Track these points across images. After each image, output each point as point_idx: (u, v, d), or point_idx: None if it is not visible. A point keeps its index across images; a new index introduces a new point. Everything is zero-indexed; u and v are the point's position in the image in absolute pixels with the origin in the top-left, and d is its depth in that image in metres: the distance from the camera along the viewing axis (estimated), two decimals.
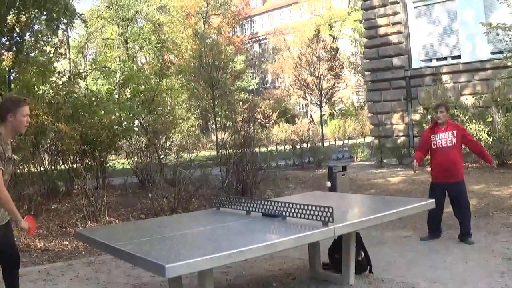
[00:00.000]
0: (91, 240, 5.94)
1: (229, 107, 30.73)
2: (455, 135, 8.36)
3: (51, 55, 16.24)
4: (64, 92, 14.36)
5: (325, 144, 26.57)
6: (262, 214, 6.21)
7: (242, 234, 5.61)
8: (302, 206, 5.71)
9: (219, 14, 54.86)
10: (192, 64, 37.06)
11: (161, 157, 14.92)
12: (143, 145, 15.10)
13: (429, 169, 9.11)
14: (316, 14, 50.81)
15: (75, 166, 13.52)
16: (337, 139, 27.93)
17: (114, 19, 39.91)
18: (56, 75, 15.16)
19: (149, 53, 42.81)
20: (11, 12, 15.48)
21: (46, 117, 12.62)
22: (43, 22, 16.07)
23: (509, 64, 15.44)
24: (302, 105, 52.61)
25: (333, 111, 47.26)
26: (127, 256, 4.81)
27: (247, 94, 51.08)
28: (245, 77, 52.93)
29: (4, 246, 5.16)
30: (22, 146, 11.79)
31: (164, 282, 6.68)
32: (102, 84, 22.12)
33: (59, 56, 16.75)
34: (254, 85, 55.55)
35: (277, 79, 59.24)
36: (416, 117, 18.60)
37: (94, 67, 29.04)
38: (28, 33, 16.48)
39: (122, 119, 16.06)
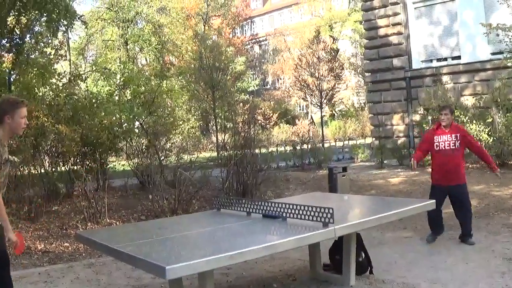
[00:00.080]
0: (91, 242, 5.94)
1: (229, 108, 30.76)
2: (458, 138, 8.24)
3: (52, 56, 16.24)
4: (65, 94, 14.36)
5: (326, 145, 26.56)
6: (263, 215, 6.21)
7: (242, 235, 5.61)
8: (302, 207, 5.72)
9: (220, 15, 54.90)
10: (192, 66, 37.08)
11: (161, 158, 14.92)
12: (144, 147, 15.11)
13: (429, 169, 9.08)
14: (316, 15, 50.84)
15: (75, 168, 13.53)
16: (337, 140, 27.91)
17: (115, 20, 39.90)
18: (56, 76, 15.15)
19: (149, 54, 42.80)
20: (11, 14, 15.48)
21: (46, 119, 12.62)
22: (44, 23, 16.08)
23: (509, 64, 15.44)
24: (303, 106, 52.67)
25: (334, 112, 47.26)
26: (127, 257, 4.81)
27: (248, 95, 51.12)
28: (246, 78, 52.97)
29: None
30: (23, 148, 11.79)
31: (164, 283, 6.67)
32: (103, 86, 22.12)
33: (60, 57, 16.74)
34: (254, 86, 55.57)
35: (278, 80, 59.28)
36: (417, 117, 18.60)
37: (94, 68, 29.09)
38: (28, 35, 16.48)
39: (122, 120, 16.06)
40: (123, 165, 15.69)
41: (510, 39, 15.04)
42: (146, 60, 45.01)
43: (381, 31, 20.08)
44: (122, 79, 18.92)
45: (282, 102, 51.05)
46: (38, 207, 11.24)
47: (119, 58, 38.69)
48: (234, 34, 60.98)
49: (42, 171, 12.82)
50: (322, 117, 34.41)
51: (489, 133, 15.02)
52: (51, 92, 14.44)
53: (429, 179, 8.91)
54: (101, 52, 42.50)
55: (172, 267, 4.14)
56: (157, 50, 40.84)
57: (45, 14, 15.43)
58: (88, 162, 13.97)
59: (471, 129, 14.88)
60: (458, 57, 18.34)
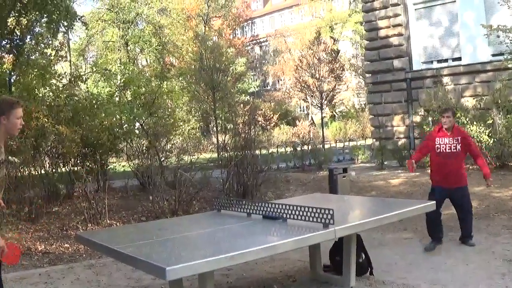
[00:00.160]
0: (91, 243, 5.94)
1: (230, 109, 30.76)
2: (459, 141, 8.17)
3: (52, 57, 16.25)
4: (65, 95, 14.37)
5: (326, 146, 26.55)
6: (263, 216, 6.21)
7: (242, 236, 5.61)
8: (302, 208, 5.72)
9: (220, 16, 54.87)
10: (193, 67, 37.11)
11: (162, 159, 14.93)
12: (144, 148, 15.12)
13: (429, 171, 9.04)
14: (317, 16, 50.82)
15: (75, 168, 13.53)
16: (338, 141, 27.89)
17: (115, 21, 39.91)
18: (56, 77, 15.16)
19: (149, 55, 42.81)
20: (11, 15, 15.50)
21: (47, 120, 12.62)
22: (44, 24, 16.09)
23: (509, 66, 15.43)
24: (303, 107, 52.67)
25: (334, 113, 47.26)
26: (128, 258, 4.81)
27: (248, 96, 51.11)
28: (246, 79, 52.95)
29: None
30: (23, 149, 11.79)
31: (165, 284, 6.67)
32: (103, 87, 22.15)
33: (60, 58, 16.75)
34: (255, 87, 55.57)
35: (278, 81, 59.28)
36: (417, 119, 18.61)
37: (94, 69, 29.10)
38: (28, 36, 16.51)
39: (122, 121, 16.08)
40: (123, 166, 15.69)
41: (511, 40, 15.04)
42: (147, 61, 45.03)
43: (382, 32, 20.08)
44: (122, 80, 18.92)
45: (282, 103, 51.06)
46: (39, 208, 11.25)
47: (120, 59, 38.70)
48: (234, 35, 60.96)
49: (43, 172, 12.82)
50: (322, 118, 34.37)
51: (490, 135, 15.01)
52: (51, 93, 14.44)
53: (430, 181, 8.87)
54: (101, 53, 42.52)
55: (172, 268, 4.14)
56: (157, 51, 40.84)
57: (45, 15, 15.45)
58: (88, 163, 13.98)
59: (471, 130, 14.89)
60: (459, 59, 18.34)
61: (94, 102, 15.09)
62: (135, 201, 13.26)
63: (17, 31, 15.79)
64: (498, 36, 15.51)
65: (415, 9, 19.37)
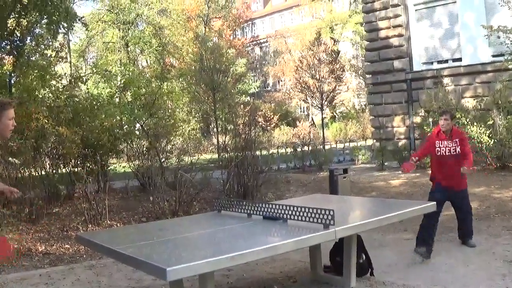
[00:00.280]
0: (92, 244, 5.94)
1: (230, 110, 30.71)
2: (458, 144, 8.08)
3: (52, 58, 16.26)
4: (65, 96, 14.37)
5: (326, 147, 26.54)
6: (263, 217, 6.21)
7: (243, 237, 5.61)
8: (303, 209, 5.72)
9: (220, 17, 54.86)
10: (193, 67, 37.08)
11: (162, 160, 14.93)
12: (144, 149, 15.12)
13: (429, 171, 9.00)
14: (317, 17, 50.79)
15: (76, 169, 13.54)
16: (338, 142, 27.90)
17: (115, 22, 39.90)
18: (56, 78, 15.16)
19: (150, 56, 42.79)
20: (12, 16, 15.51)
21: (47, 121, 12.63)
22: (44, 26, 16.10)
23: (510, 67, 15.42)
24: (303, 108, 52.64)
25: (334, 114, 47.25)
26: (128, 259, 4.81)
27: (248, 97, 51.09)
28: (246, 80, 52.90)
29: None
30: (23, 150, 11.81)
31: (165, 285, 6.66)
32: (103, 88, 22.12)
33: (60, 59, 16.76)
34: (255, 88, 55.52)
35: (278, 82, 59.27)
36: (417, 119, 18.60)
37: (95, 70, 29.02)
38: (29, 37, 16.52)
39: (123, 122, 16.09)
40: (123, 167, 15.70)
41: (511, 41, 15.05)
42: (147, 62, 45.00)
43: (382, 33, 20.08)
44: (122, 81, 18.92)
45: (282, 104, 51.04)
46: (39, 209, 11.25)
47: (120, 60, 38.70)
48: (234, 36, 60.96)
49: (43, 173, 12.83)
50: (322, 119, 34.33)
51: (490, 135, 15.00)
52: (51, 94, 14.45)
53: (430, 182, 8.79)
54: (101, 54, 42.51)
55: (173, 268, 4.14)
56: (157, 52, 40.83)
57: (45, 16, 15.45)
58: (88, 164, 13.98)
59: (472, 131, 14.88)
60: (459, 59, 18.34)
61: (94, 103, 15.09)
62: (135, 202, 13.26)
63: (17, 32, 15.81)
64: (499, 37, 15.51)
65: (416, 10, 19.37)
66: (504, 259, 7.34)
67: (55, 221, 11.26)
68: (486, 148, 14.94)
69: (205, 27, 50.61)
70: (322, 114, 33.80)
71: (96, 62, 39.84)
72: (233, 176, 13.34)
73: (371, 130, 23.28)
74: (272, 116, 44.21)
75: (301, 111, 53.98)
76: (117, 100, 17.59)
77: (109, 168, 14.91)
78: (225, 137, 15.51)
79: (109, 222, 11.22)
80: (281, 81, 57.37)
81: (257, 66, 61.86)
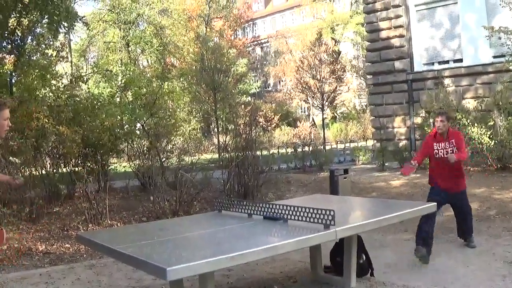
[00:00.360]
0: (92, 243, 5.94)
1: (231, 110, 30.75)
2: (455, 144, 7.93)
3: (53, 58, 16.25)
4: (66, 95, 14.38)
5: (327, 147, 26.56)
6: (264, 217, 6.21)
7: (243, 237, 5.61)
8: (303, 209, 5.72)
9: (221, 17, 54.87)
10: (194, 67, 37.05)
11: (162, 160, 14.94)
12: (145, 148, 15.13)
13: (428, 174, 8.87)
14: (318, 17, 50.80)
15: (76, 169, 13.54)
16: (339, 142, 27.90)
17: (116, 22, 39.89)
18: (57, 78, 15.16)
19: (151, 56, 42.78)
20: (12, 16, 15.51)
21: (47, 120, 12.63)
22: (45, 25, 16.09)
23: (511, 68, 15.42)
24: (304, 108, 52.64)
25: (335, 114, 47.25)
26: (128, 259, 4.81)
27: (249, 97, 51.10)
28: (247, 80, 52.95)
29: None
30: (24, 150, 11.80)
31: (165, 285, 6.67)
32: (104, 88, 22.15)
33: (61, 59, 16.76)
34: (256, 88, 55.55)
35: (279, 82, 59.25)
36: (418, 120, 18.60)
37: (96, 70, 29.06)
38: (29, 37, 16.51)
39: (123, 122, 16.09)
40: (124, 166, 15.70)
41: None
42: (148, 61, 45.01)
43: (383, 34, 20.08)
44: (123, 81, 18.95)
45: (283, 104, 51.02)
46: (39, 208, 11.25)
47: (121, 59, 38.71)
48: (235, 36, 60.98)
49: (43, 172, 12.83)
50: (323, 119, 34.35)
51: (491, 136, 14.98)
52: (52, 94, 14.45)
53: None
54: (102, 53, 42.54)
55: (173, 268, 4.14)
56: (158, 51, 40.82)
57: (46, 16, 15.44)
58: (89, 164, 13.98)
59: (472, 132, 14.87)
60: (460, 60, 18.34)
61: (95, 102, 15.10)
62: (136, 202, 13.26)
63: (18, 32, 15.80)
64: (500, 38, 15.51)
65: (417, 11, 19.37)
66: (504, 260, 7.34)
67: (56, 221, 11.26)
68: (486, 149, 14.94)
69: (206, 27, 50.62)
70: (322, 115, 33.82)
71: (97, 62, 39.90)
72: (233, 176, 13.34)
73: (371, 131, 23.27)
74: (273, 116, 44.20)
75: (301, 112, 53.98)
76: (118, 99, 17.60)
77: (109, 168, 14.91)
78: (226, 137, 15.50)
79: (109, 221, 11.22)
80: (282, 81, 57.34)
81: (258, 66, 61.88)
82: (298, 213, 5.77)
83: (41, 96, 14.07)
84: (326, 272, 7.05)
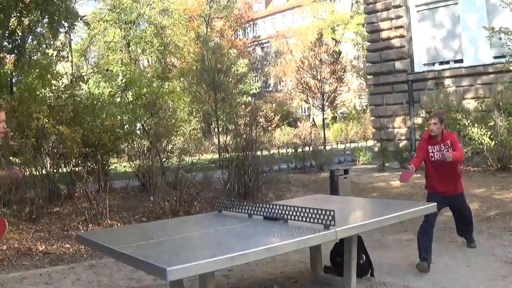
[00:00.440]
0: (92, 243, 5.94)
1: (231, 110, 30.74)
2: (450, 146, 7.73)
3: (53, 58, 16.25)
4: (66, 95, 14.37)
5: (327, 148, 26.56)
6: (264, 217, 6.21)
7: (243, 237, 5.60)
8: (303, 209, 5.71)
9: (222, 17, 54.89)
10: (194, 67, 37.03)
11: (163, 160, 14.93)
12: (145, 148, 15.13)
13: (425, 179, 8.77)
14: (318, 17, 50.82)
15: (77, 169, 13.52)
16: (339, 142, 27.92)
17: (117, 22, 39.95)
18: (58, 77, 15.15)
19: (151, 56, 42.84)
20: (13, 15, 15.51)
21: (48, 120, 12.63)
22: (45, 25, 16.10)
23: (511, 68, 15.42)
24: (304, 108, 52.67)
25: (335, 114, 47.25)
26: (128, 259, 4.81)
27: (250, 97, 51.13)
28: (248, 80, 52.97)
29: None
30: (24, 149, 11.80)
31: (165, 285, 6.66)
32: (104, 87, 22.13)
33: (61, 59, 16.76)
34: (256, 88, 55.59)
35: (280, 82, 59.26)
36: (418, 120, 18.59)
37: (96, 70, 29.08)
38: (30, 36, 16.52)
39: (124, 122, 16.07)
40: (124, 166, 15.70)
41: None
42: (148, 61, 45.08)
43: (384, 34, 20.08)
44: (124, 81, 18.91)
45: (284, 105, 51.02)
46: (39, 209, 11.25)
47: (121, 59, 38.75)
48: (236, 36, 61.00)
49: (44, 172, 12.80)
50: (324, 119, 34.35)
51: (491, 137, 14.98)
52: (52, 94, 14.44)
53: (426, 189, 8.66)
54: (103, 53, 42.58)
55: (173, 268, 4.14)
56: (159, 51, 40.87)
57: (46, 16, 15.45)
58: (89, 164, 13.96)
59: (472, 132, 14.87)
60: (461, 61, 18.35)
61: (95, 102, 15.07)
62: (136, 202, 13.26)
63: (18, 31, 15.81)
64: (500, 38, 15.52)
65: (417, 11, 19.38)
66: (505, 260, 7.33)
67: (56, 221, 11.26)
68: (487, 150, 14.94)
69: (206, 27, 50.65)
70: (323, 115, 33.82)
71: (97, 62, 39.95)
72: (234, 176, 13.34)
73: (372, 131, 23.27)
74: (273, 116, 44.18)
75: (302, 112, 53.99)
76: (118, 99, 17.58)
77: (109, 168, 14.89)
78: (226, 137, 15.52)
79: (109, 221, 11.21)
80: (282, 81, 57.35)
81: (259, 66, 61.91)
82: (298, 214, 5.77)
83: (41, 96, 14.06)
84: (326, 273, 7.05)
